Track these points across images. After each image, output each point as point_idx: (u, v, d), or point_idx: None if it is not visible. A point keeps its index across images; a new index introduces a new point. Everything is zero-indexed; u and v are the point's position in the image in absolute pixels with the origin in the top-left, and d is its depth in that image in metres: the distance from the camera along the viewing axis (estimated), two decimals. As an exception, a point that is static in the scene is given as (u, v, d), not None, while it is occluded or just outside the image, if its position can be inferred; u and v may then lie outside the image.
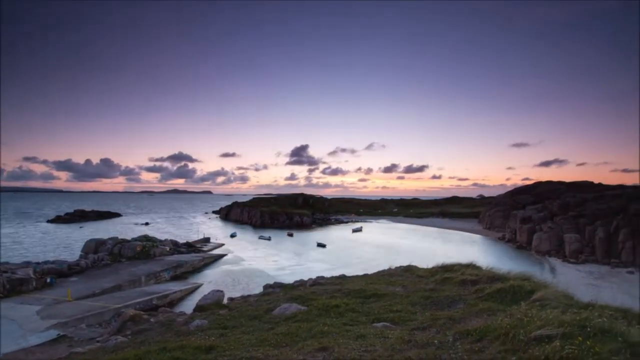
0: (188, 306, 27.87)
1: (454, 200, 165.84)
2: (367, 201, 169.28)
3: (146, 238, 56.54)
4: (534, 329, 6.49)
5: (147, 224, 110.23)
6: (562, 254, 55.03)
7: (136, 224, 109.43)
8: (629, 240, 48.74)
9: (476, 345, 6.84)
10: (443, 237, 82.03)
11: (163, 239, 61.70)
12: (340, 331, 9.64)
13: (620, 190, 65.31)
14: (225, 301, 24.37)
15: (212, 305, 19.94)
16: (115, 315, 24.92)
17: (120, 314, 24.03)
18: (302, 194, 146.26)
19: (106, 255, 45.93)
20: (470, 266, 19.98)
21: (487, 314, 10.08)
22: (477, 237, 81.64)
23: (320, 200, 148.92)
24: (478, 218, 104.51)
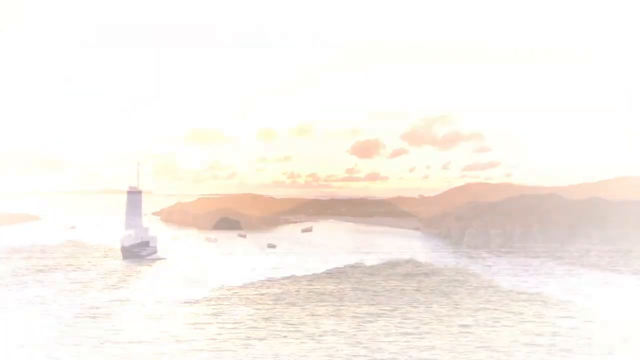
0: (124, 316, 25.70)
1: (398, 200, 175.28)
2: (316, 201, 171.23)
3: (73, 243, 50.80)
4: (465, 315, 7.32)
5: (73, 227, 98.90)
6: (489, 247, 61.81)
7: (61, 227, 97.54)
8: (540, 234, 56.83)
9: (416, 332, 7.49)
10: (387, 234, 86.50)
11: (94, 243, 55.98)
12: (290, 331, 9.79)
13: (533, 191, 75.66)
14: (168, 308, 23.03)
15: (154, 313, 18.83)
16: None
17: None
18: (250, 194, 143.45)
19: (23, 265, 40.32)
20: (411, 262, 21.55)
21: (426, 305, 11.05)
22: (418, 234, 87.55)
23: (270, 200, 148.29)
24: (419, 217, 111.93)
